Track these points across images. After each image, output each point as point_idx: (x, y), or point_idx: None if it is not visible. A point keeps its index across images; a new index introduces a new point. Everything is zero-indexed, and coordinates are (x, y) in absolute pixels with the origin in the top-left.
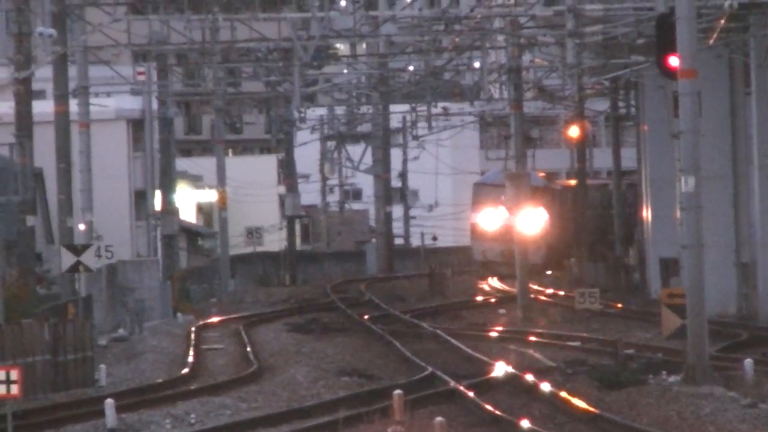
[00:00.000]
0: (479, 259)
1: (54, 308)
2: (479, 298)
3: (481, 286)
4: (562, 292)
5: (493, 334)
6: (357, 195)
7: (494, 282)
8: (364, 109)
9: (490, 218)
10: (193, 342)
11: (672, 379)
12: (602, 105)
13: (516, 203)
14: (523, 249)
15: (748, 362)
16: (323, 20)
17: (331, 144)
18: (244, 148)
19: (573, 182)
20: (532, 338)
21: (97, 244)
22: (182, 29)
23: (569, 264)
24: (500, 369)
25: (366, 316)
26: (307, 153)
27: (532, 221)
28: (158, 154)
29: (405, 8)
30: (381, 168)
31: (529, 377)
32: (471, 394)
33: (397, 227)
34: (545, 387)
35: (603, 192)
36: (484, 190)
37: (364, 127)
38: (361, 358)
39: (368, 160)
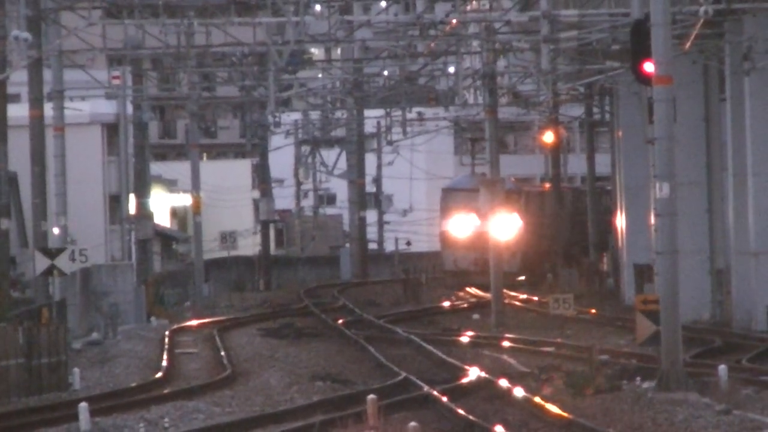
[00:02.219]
0: (451, 269)
1: (28, 312)
2: (453, 304)
3: (455, 291)
4: (536, 298)
5: (467, 339)
6: (331, 200)
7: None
8: (338, 113)
9: (461, 225)
10: (167, 346)
11: (646, 385)
12: (577, 111)
13: (491, 209)
14: (497, 257)
15: (722, 368)
16: (298, 25)
17: (305, 149)
18: (219, 152)
19: (546, 186)
20: (506, 344)
21: (71, 248)
22: (157, 34)
23: (545, 270)
24: (474, 374)
25: (340, 321)
26: (281, 158)
27: (506, 227)
28: (133, 159)
29: (380, 13)
30: (355, 173)
31: (503, 383)
32: (445, 399)
33: (371, 232)
34: (519, 392)
35: (576, 197)
36: (454, 196)
37: (339, 132)
38: (335, 363)
39: (342, 164)
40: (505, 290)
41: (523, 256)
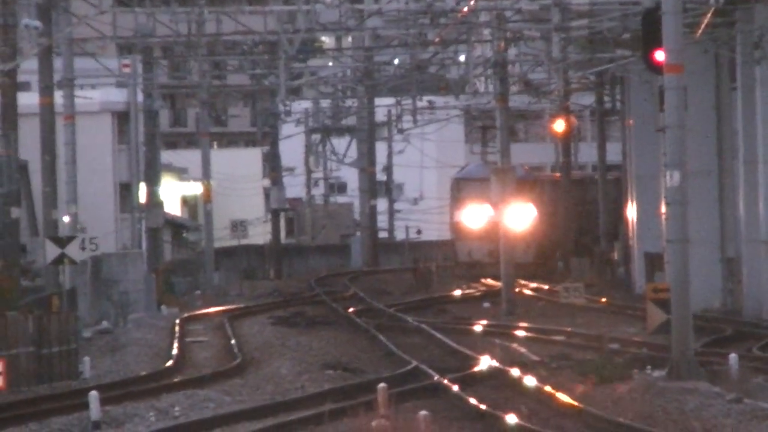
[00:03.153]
0: (465, 261)
1: (38, 300)
2: (464, 292)
3: (470, 282)
4: (546, 287)
5: (478, 328)
6: (342, 188)
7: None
8: (349, 102)
9: (475, 215)
10: (177, 335)
11: (656, 374)
12: (588, 99)
13: (502, 198)
14: (510, 246)
15: (733, 357)
16: (309, 13)
17: (316, 137)
18: (230, 140)
19: (556, 174)
20: (517, 332)
21: (81, 237)
22: (168, 22)
23: (559, 260)
24: (484, 363)
25: (351, 310)
26: (292, 146)
27: (521, 217)
28: (143, 147)
29: (391, 1)
30: (366, 161)
31: (514, 371)
32: (455, 388)
33: (382, 221)
34: (529, 381)
35: (585, 186)
36: (466, 185)
37: (349, 121)
38: (345, 352)
39: (353, 153)
40: (520, 280)
41: (538, 247)
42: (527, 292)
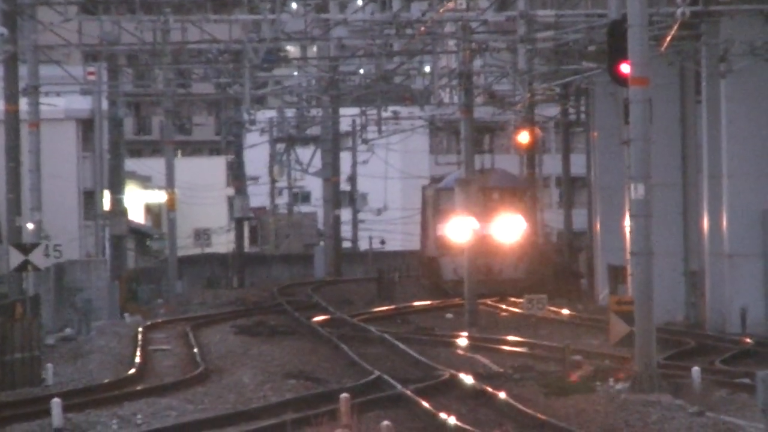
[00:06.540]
0: (450, 278)
1: (1, 307)
2: (427, 303)
3: (428, 289)
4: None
5: (441, 338)
6: (306, 198)
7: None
8: (314, 111)
9: (460, 229)
10: (140, 343)
11: (619, 386)
12: (552, 111)
13: (467, 210)
14: (475, 256)
15: (696, 370)
16: (274, 23)
17: (280, 146)
18: (194, 149)
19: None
20: (480, 343)
21: (45, 244)
22: (133, 30)
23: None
24: (447, 374)
25: (314, 319)
26: (256, 155)
27: (510, 230)
28: (107, 155)
29: (356, 12)
30: (330, 171)
31: (477, 382)
32: (418, 398)
33: (346, 230)
34: (492, 392)
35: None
36: (449, 197)
37: (314, 130)
38: (308, 361)
39: (317, 163)
40: (512, 299)
41: (530, 261)
42: (489, 302)
